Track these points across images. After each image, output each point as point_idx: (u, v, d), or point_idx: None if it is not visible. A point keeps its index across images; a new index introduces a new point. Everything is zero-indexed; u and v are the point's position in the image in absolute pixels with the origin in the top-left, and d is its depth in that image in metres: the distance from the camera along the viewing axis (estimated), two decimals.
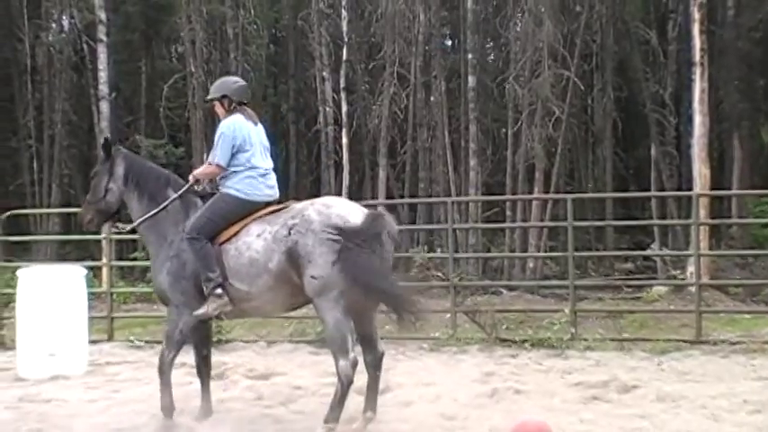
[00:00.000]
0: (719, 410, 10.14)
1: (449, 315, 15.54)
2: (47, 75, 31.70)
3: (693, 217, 16.25)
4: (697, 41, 21.81)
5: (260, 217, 9.30)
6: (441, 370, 12.81)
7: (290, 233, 8.91)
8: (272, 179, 9.74)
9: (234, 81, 10.18)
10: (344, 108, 28.67)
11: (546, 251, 24.72)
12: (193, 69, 28.98)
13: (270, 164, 9.79)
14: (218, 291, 9.13)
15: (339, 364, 8.81)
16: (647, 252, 25.72)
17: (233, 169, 9.49)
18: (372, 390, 9.44)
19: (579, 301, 16.58)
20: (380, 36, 28.62)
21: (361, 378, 9.31)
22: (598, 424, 9.58)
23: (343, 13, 28.97)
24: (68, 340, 12.97)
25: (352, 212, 9.03)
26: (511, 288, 20.88)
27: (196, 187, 9.86)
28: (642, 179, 29.51)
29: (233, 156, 9.47)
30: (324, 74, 29.61)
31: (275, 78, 36.10)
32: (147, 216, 9.73)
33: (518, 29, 27.22)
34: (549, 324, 14.90)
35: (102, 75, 28.09)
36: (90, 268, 15.33)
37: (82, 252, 25.30)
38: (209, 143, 9.63)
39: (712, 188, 22.40)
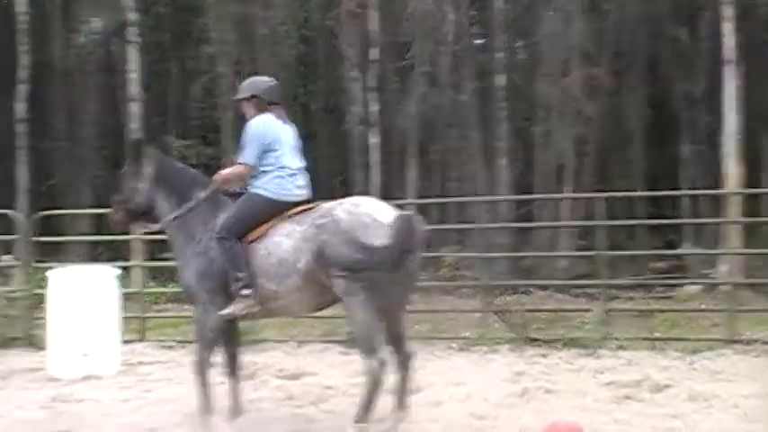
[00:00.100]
0: (752, 410, 10.08)
1: (479, 315, 15.52)
2: (78, 76, 31.86)
3: (726, 216, 16.17)
4: (728, 39, 21.72)
5: (289, 216, 9.28)
6: (471, 369, 12.77)
7: (318, 232, 8.89)
8: (302, 179, 9.72)
9: (264, 81, 10.13)
10: (374, 108, 28.67)
11: (577, 251, 24.66)
12: (223, 70, 29.08)
13: (300, 164, 9.76)
14: (246, 291, 9.11)
15: (368, 364, 8.81)
16: (679, 251, 25.58)
17: (262, 169, 9.47)
18: (402, 390, 9.41)
19: (611, 300, 16.49)
20: (410, 35, 28.61)
21: (391, 378, 9.30)
22: (631, 424, 9.54)
23: (373, 12, 28.96)
24: (101, 340, 13.03)
25: (380, 212, 8.99)
26: (541, 287, 20.81)
27: (227, 188, 9.87)
28: (674, 178, 29.35)
29: (262, 155, 9.44)
30: (353, 74, 29.62)
31: (305, 78, 36.10)
32: (175, 215, 9.75)
33: (548, 27, 27.17)
34: (581, 323, 14.84)
35: (133, 76, 28.20)
36: (122, 268, 15.36)
37: (114, 252, 25.34)
38: (239, 143, 9.65)
39: (745, 186, 22.31)
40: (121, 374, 12.95)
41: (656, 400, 10.71)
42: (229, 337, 9.90)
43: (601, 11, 27.43)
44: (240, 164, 9.59)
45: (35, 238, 16.36)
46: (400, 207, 9.31)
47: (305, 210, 9.32)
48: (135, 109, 28.01)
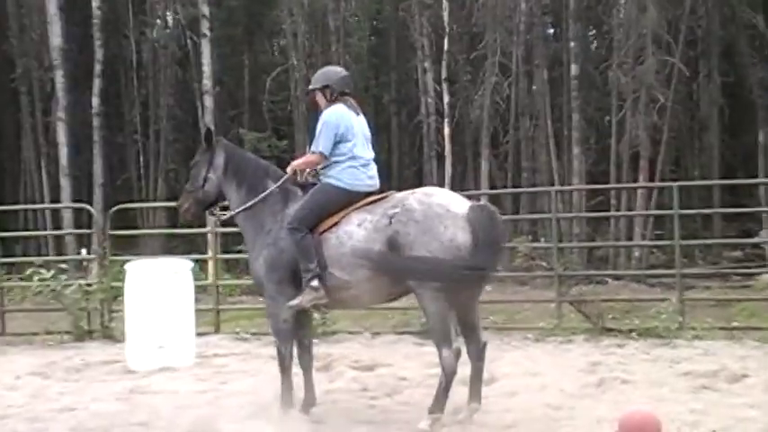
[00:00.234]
0: None
1: (554, 305, 15.44)
2: (152, 70, 32.21)
3: None
4: None
5: (360, 207, 9.25)
6: (546, 360, 12.69)
7: (390, 222, 8.85)
8: (373, 169, 9.68)
9: (337, 71, 10.10)
10: (446, 98, 28.66)
11: (652, 240, 24.48)
12: (295, 62, 29.26)
13: (371, 154, 9.72)
14: (315, 283, 9.09)
15: (442, 355, 8.79)
16: (756, 240, 25.26)
17: (335, 159, 9.43)
18: (476, 380, 9.36)
19: (687, 289, 16.34)
20: (482, 26, 28.58)
21: (465, 369, 9.27)
22: (708, 414, 9.42)
23: (445, 3, 28.95)
24: (176, 333, 13.09)
25: (453, 202, 8.98)
26: (616, 277, 20.71)
27: (299, 178, 9.88)
28: (750, 166, 29.01)
29: (335, 145, 9.40)
30: (425, 65, 29.65)
31: (377, 70, 36.20)
32: (246, 206, 9.75)
33: (621, 15, 27.01)
34: (656, 313, 14.65)
35: (206, 69, 28.44)
36: (196, 261, 15.47)
37: (188, 245, 25.57)
38: (311, 135, 9.65)
39: None
40: (197, 366, 13.00)
41: (734, 390, 10.56)
42: (302, 328, 9.89)
43: None
44: (313, 153, 9.59)
45: (111, 232, 16.50)
46: (473, 198, 9.27)
47: (377, 200, 9.30)
48: (208, 102, 28.25)
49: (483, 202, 9.17)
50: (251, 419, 9.50)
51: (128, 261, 14.29)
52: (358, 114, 9.71)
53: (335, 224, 9.20)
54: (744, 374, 11.19)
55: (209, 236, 18.22)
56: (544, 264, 17.05)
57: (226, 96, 33.70)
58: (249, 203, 9.73)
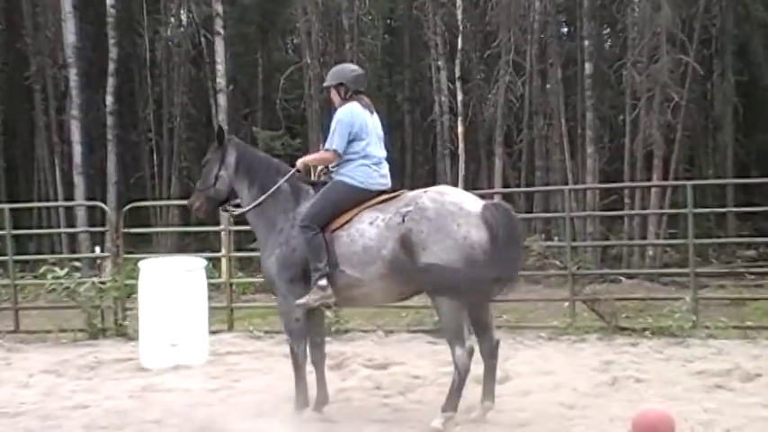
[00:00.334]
0: None
1: (567, 304, 15.42)
2: (165, 69, 32.21)
3: None
4: None
5: (372, 205, 9.27)
6: (560, 359, 12.68)
7: (403, 220, 8.86)
8: (385, 168, 9.69)
9: (351, 69, 10.12)
10: (460, 97, 28.60)
11: (665, 239, 24.45)
12: (309, 61, 29.25)
13: (384, 153, 9.75)
14: (323, 282, 9.11)
15: (455, 353, 8.81)
16: None
17: (347, 157, 9.45)
18: (489, 379, 9.36)
19: (700, 288, 16.32)
20: (495, 24, 28.57)
21: (479, 367, 9.27)
22: (721, 413, 9.40)
23: (458, 1, 28.89)
24: (190, 330, 13.10)
25: (466, 201, 8.99)
26: (630, 276, 20.69)
27: (312, 176, 9.89)
28: (764, 164, 28.93)
29: (349, 144, 9.42)
30: (439, 63, 29.61)
31: (390, 68, 36.20)
32: (256, 203, 9.77)
33: (635, 14, 26.94)
34: (670, 312, 14.62)
35: (220, 68, 28.45)
36: (209, 259, 15.48)
37: (201, 243, 25.66)
38: (325, 134, 9.67)
39: None
40: (210, 364, 13.03)
41: (747, 390, 10.55)
42: (314, 326, 9.89)
43: None
44: (327, 150, 9.58)
45: (124, 230, 16.51)
46: (486, 197, 9.27)
47: (389, 198, 9.32)
48: (221, 100, 28.25)
49: (497, 200, 9.13)
50: (263, 417, 9.52)
51: (141, 259, 14.30)
52: (372, 113, 9.73)
53: (347, 222, 9.22)
54: (757, 374, 11.17)
55: (223, 234, 18.27)
56: (557, 262, 17.03)
57: (239, 95, 33.74)
58: (259, 200, 9.74)
